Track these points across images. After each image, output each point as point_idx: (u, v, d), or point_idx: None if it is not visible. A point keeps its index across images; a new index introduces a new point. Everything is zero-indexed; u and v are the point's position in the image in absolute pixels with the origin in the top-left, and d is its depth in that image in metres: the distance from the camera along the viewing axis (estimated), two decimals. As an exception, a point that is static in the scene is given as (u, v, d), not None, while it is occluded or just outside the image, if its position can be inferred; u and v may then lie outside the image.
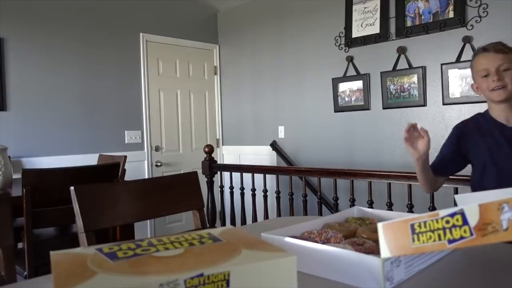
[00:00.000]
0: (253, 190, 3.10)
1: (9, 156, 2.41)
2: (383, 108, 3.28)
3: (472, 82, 1.57)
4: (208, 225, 1.88)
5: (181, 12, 4.29)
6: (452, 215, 0.57)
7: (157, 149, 4.10)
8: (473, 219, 0.56)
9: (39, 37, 3.36)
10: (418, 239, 0.60)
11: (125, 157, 2.79)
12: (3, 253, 1.86)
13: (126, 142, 3.86)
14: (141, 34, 3.97)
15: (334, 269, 0.74)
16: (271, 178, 3.48)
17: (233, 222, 3.26)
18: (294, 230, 0.92)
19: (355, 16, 3.39)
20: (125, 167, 2.80)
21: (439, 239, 0.58)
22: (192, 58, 4.40)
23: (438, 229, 0.58)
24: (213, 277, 0.42)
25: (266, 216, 3.10)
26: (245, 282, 0.43)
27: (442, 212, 0.58)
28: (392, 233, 0.63)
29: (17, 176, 2.44)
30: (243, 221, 3.22)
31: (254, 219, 3.15)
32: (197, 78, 4.46)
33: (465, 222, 0.56)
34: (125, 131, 3.86)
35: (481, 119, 1.56)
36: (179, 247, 0.48)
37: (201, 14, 4.49)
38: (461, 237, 0.56)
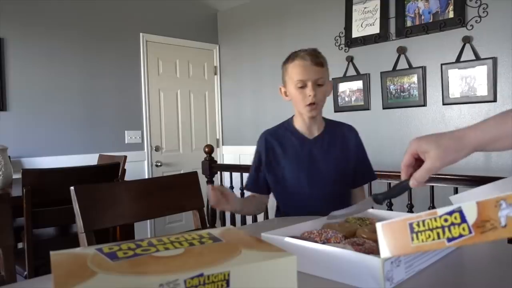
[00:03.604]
0: (253, 190, 3.10)
1: (9, 156, 2.41)
2: (383, 108, 3.28)
3: (282, 85, 1.51)
4: (208, 225, 1.88)
5: (181, 12, 4.29)
6: (450, 213, 0.57)
7: (157, 149, 4.10)
8: (471, 217, 0.55)
9: (39, 38, 3.36)
10: (417, 238, 0.60)
11: (125, 157, 2.79)
12: (3, 253, 1.85)
13: (126, 142, 3.86)
14: (141, 34, 3.97)
15: (334, 269, 0.74)
16: (271, 178, 3.48)
17: (233, 222, 3.25)
18: (294, 230, 0.92)
19: (355, 16, 3.39)
20: (125, 167, 2.80)
21: (438, 237, 0.57)
22: (192, 58, 4.40)
23: (437, 227, 0.58)
24: (213, 277, 0.42)
25: (266, 216, 3.10)
26: (245, 282, 0.43)
27: (440, 211, 0.58)
28: (391, 233, 0.63)
29: (17, 176, 2.44)
30: (243, 221, 3.21)
31: (254, 219, 3.15)
32: (197, 78, 4.46)
33: (463, 220, 0.56)
34: (125, 131, 3.86)
35: (286, 131, 1.52)
36: (179, 247, 0.48)
37: (201, 14, 4.49)
38: (460, 235, 0.56)
